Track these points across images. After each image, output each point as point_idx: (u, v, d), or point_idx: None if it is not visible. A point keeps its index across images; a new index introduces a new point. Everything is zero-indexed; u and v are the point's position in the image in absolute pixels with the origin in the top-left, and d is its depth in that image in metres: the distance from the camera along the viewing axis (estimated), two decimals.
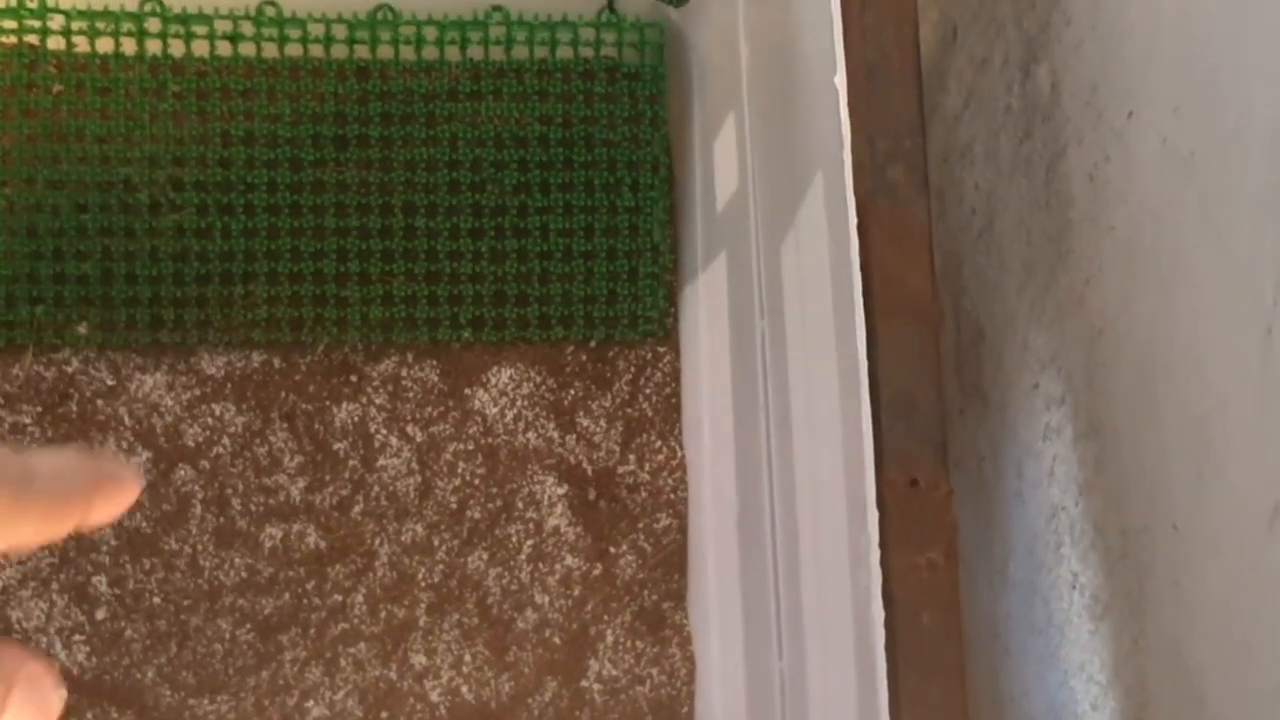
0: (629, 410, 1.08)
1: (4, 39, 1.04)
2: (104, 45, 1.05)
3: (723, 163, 1.03)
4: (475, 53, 1.08)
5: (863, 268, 0.74)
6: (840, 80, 0.75)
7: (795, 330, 0.88)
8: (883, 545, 0.72)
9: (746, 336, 0.97)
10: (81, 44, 1.04)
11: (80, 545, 1.02)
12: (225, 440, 1.05)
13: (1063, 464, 0.97)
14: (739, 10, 0.99)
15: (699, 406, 1.06)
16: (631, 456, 1.07)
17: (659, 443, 1.07)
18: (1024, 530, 1.02)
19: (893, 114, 0.90)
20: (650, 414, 1.08)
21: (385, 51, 1.07)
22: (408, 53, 1.07)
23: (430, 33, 1.06)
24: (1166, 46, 0.81)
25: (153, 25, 1.04)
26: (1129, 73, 0.85)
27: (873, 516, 0.72)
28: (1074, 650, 0.96)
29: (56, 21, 1.03)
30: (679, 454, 1.07)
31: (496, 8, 1.07)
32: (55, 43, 1.04)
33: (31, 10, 1.03)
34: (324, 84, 1.06)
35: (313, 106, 1.07)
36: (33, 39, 1.04)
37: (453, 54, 1.07)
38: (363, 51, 1.07)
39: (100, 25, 1.04)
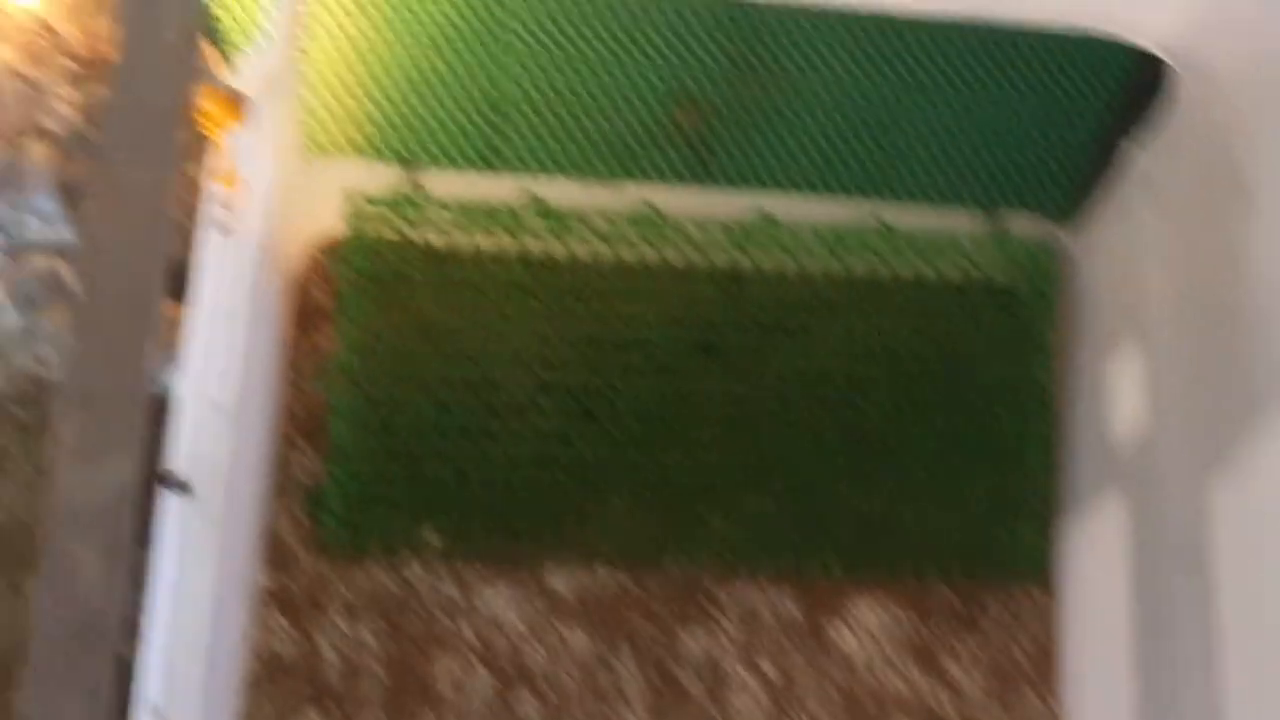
0: (999, 657, 1.01)
1: (381, 230, 0.98)
2: (477, 240, 0.99)
3: (1117, 393, 0.97)
4: (852, 264, 1.02)
5: None
6: None
7: (1231, 593, 0.81)
8: None
9: (1149, 588, 0.90)
10: (457, 238, 0.99)
11: None
12: (568, 664, 0.97)
13: None
14: (1144, 232, 0.94)
15: (1081, 658, 0.99)
16: (998, 707, 1.00)
17: (1032, 694, 1.00)
18: None
19: None
20: (1023, 662, 1.01)
21: (759, 258, 1.01)
22: (783, 260, 1.01)
23: (808, 241, 1.01)
24: None
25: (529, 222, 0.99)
26: None
27: None
28: None
29: (431, 213, 0.98)
30: (1055, 709, 1.00)
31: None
32: (427, 234, 0.99)
33: (412, 201, 0.97)
34: (696, 288, 1.01)
35: (681, 312, 1.01)
36: (406, 229, 0.98)
37: (829, 264, 1.02)
38: (738, 257, 1.01)
39: (479, 220, 0.98)
